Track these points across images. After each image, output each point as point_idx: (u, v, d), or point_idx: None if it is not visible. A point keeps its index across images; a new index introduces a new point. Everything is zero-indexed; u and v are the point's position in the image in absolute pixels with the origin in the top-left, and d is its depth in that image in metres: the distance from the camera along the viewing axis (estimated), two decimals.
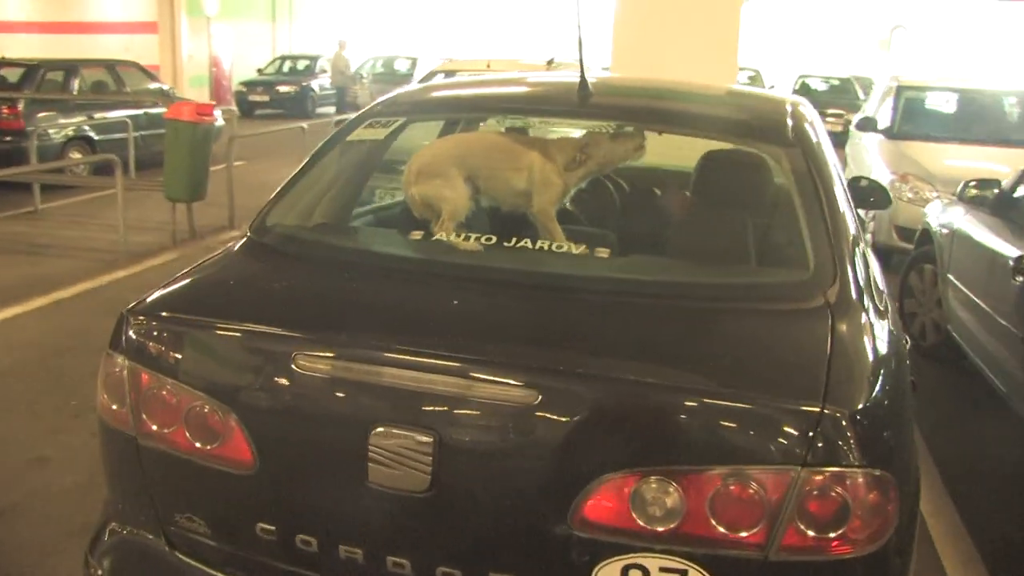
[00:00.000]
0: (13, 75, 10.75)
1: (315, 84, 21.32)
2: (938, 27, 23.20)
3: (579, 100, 2.54)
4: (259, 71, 22.08)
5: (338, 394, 1.81)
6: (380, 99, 2.92)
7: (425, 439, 1.70)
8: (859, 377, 1.76)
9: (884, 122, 8.52)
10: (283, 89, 20.74)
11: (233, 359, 1.94)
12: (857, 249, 2.21)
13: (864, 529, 1.62)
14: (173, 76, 19.86)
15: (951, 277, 4.85)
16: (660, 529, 1.63)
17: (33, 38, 20.67)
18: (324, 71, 21.61)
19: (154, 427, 1.94)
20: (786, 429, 1.61)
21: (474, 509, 1.74)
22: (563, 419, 1.68)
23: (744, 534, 1.62)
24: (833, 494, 1.59)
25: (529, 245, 2.28)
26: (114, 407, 2.00)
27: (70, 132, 10.24)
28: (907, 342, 2.28)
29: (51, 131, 9.98)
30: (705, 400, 1.67)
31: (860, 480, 1.61)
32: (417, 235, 2.36)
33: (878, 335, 1.95)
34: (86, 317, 5.70)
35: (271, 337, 1.91)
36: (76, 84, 10.89)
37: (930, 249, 5.35)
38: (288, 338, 1.89)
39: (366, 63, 22.51)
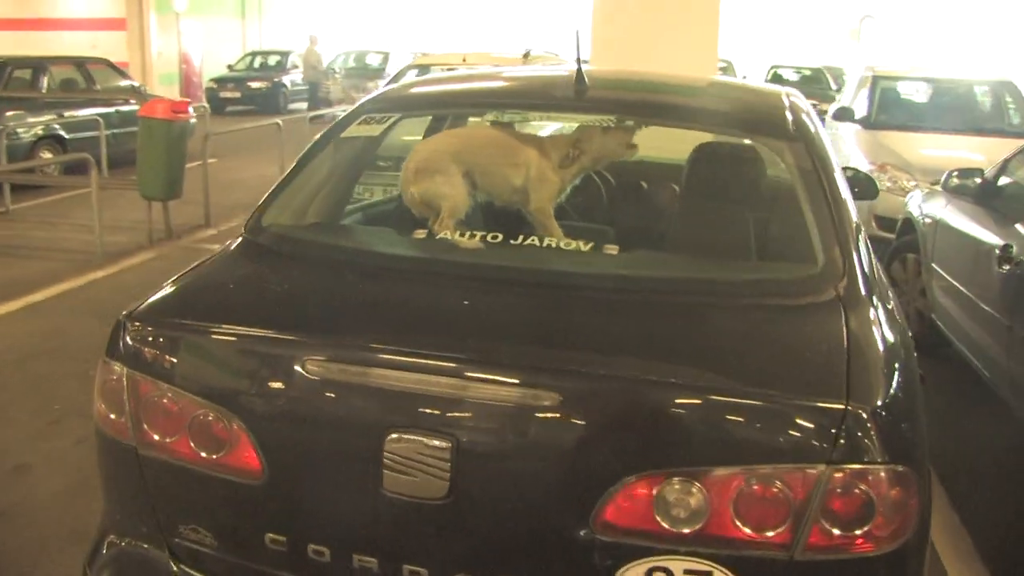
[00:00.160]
0: None
1: (287, 80, 21.17)
2: (907, 16, 23.41)
3: (576, 94, 2.50)
4: (230, 67, 21.84)
5: (351, 399, 1.76)
6: (374, 94, 2.87)
7: (442, 444, 1.65)
8: (877, 371, 1.74)
9: (861, 112, 8.58)
10: (254, 85, 20.59)
11: (239, 365, 1.89)
12: (860, 240, 2.20)
13: (887, 526, 1.60)
14: (143, 73, 19.59)
15: (935, 266, 4.87)
16: (684, 531, 1.61)
17: None
18: (295, 67, 21.43)
19: (155, 436, 1.88)
20: (811, 426, 1.59)
21: (494, 515, 1.71)
22: (584, 421, 1.65)
23: (769, 534, 1.59)
24: (857, 491, 1.58)
25: (533, 242, 2.24)
26: (112, 416, 1.94)
27: (40, 131, 10.06)
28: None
29: (20, 130, 9.80)
30: (727, 399, 1.65)
31: (883, 476, 1.59)
32: (420, 234, 2.32)
33: (888, 328, 1.94)
34: (64, 319, 5.59)
35: (280, 342, 1.85)
36: (45, 82, 10.77)
37: (913, 238, 5.37)
38: (298, 342, 1.83)
39: (337, 58, 22.30)
